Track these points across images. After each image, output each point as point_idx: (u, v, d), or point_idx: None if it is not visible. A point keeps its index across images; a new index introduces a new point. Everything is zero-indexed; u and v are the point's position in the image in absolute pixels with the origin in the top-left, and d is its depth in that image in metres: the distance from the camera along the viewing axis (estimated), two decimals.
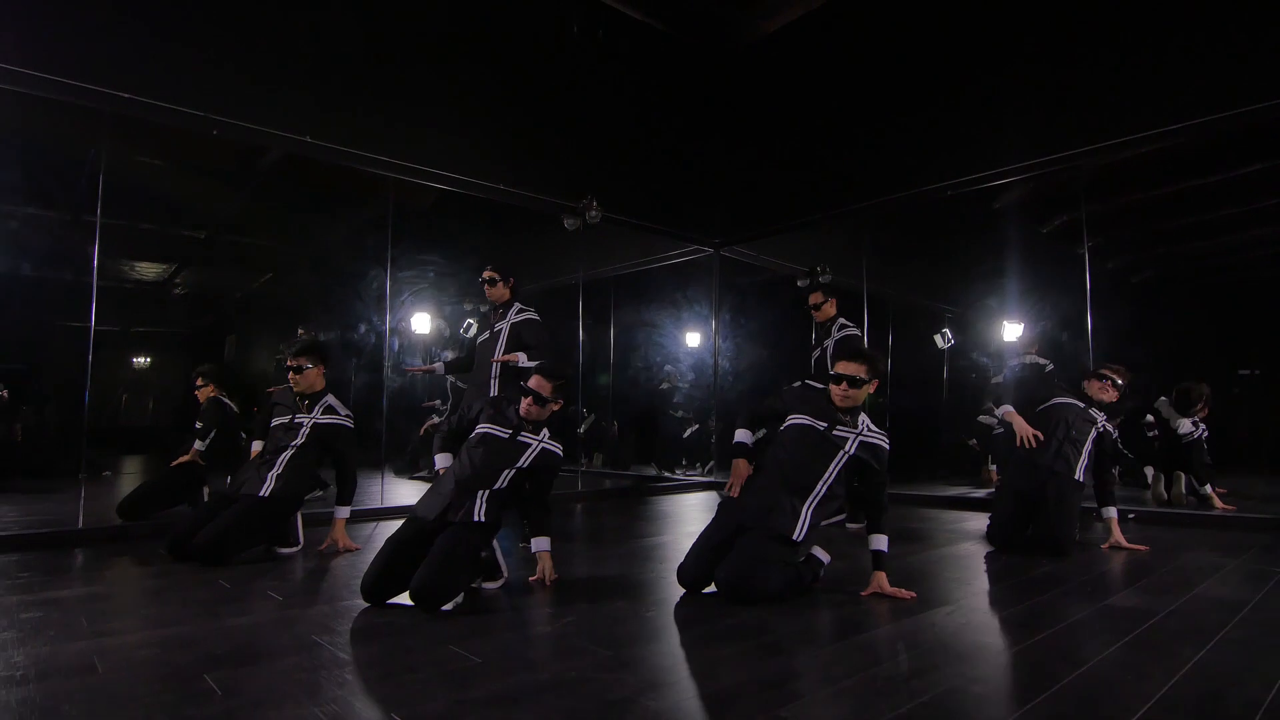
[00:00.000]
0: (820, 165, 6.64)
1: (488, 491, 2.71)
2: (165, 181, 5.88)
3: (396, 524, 4.42)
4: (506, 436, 2.84)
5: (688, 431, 8.25)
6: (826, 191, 6.56)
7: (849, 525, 4.43)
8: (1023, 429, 3.82)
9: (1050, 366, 6.10)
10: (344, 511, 3.52)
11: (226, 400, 4.67)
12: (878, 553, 2.71)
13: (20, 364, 7.29)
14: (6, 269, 6.46)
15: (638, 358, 8.90)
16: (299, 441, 3.44)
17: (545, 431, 2.91)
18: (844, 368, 2.88)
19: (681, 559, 2.76)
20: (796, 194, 6.81)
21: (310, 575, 3.06)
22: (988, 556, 3.55)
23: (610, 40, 6.07)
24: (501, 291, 3.98)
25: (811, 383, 3.68)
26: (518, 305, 4.01)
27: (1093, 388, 3.88)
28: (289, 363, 3.50)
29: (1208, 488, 5.06)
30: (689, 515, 5.16)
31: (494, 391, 3.81)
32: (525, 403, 2.87)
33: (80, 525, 3.96)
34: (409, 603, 2.45)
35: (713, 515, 2.87)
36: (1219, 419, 6.34)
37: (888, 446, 2.86)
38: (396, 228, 5.29)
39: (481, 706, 1.61)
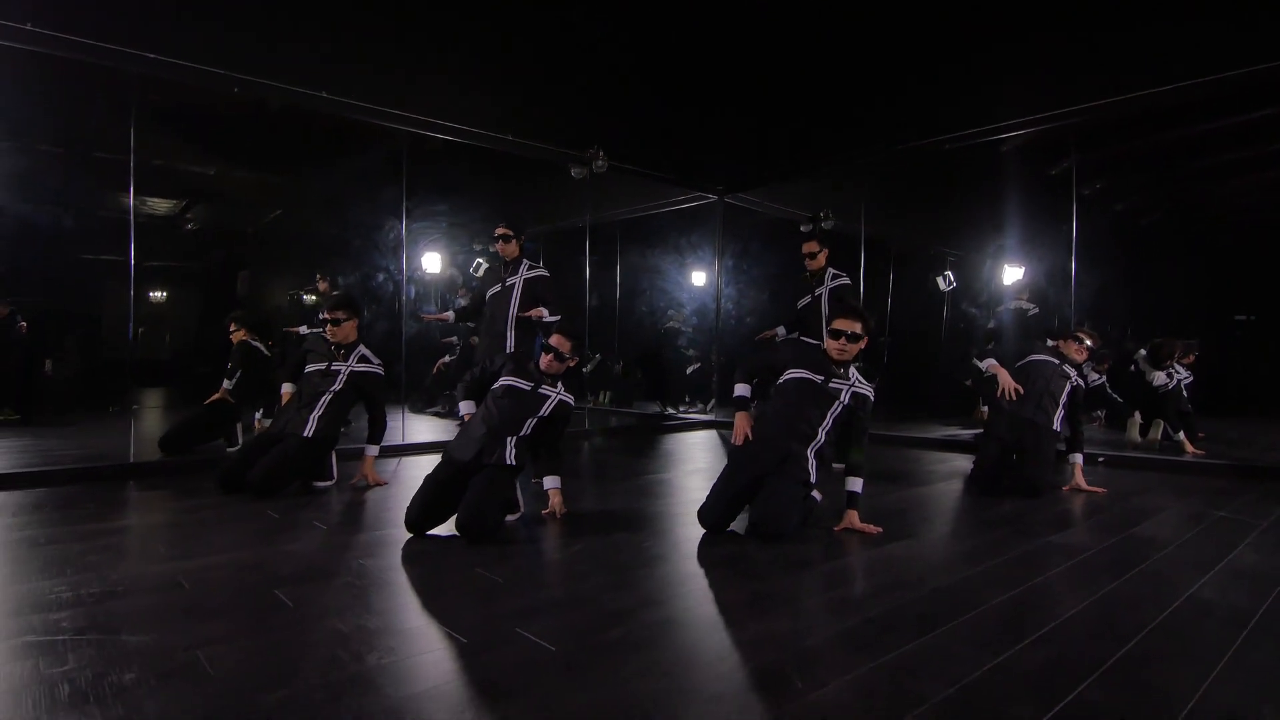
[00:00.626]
0: (823, 115, 6.69)
1: (515, 437, 3.05)
2: (183, 125, 6.02)
3: (418, 459, 4.85)
4: (529, 389, 3.16)
5: (690, 369, 8.59)
6: (829, 141, 6.65)
7: (834, 465, 4.78)
8: (1006, 382, 4.11)
9: (1034, 310, 6.34)
10: (374, 450, 3.89)
11: (257, 344, 5.00)
12: (851, 493, 3.05)
13: (43, 298, 7.58)
14: (27, 210, 6.67)
15: (643, 300, 9.14)
16: (336, 388, 3.77)
17: (560, 384, 3.23)
18: (842, 324, 3.14)
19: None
20: (800, 143, 6.90)
21: (349, 508, 3.43)
22: (959, 496, 3.90)
23: None
24: (513, 248, 4.22)
25: (805, 338, 3.96)
26: (527, 261, 4.26)
27: (1069, 348, 4.16)
28: (325, 315, 3.80)
29: (1181, 434, 5.39)
30: (690, 454, 5.51)
31: (510, 342, 4.11)
32: (546, 359, 3.19)
33: (131, 459, 4.35)
34: (443, 534, 2.82)
35: (721, 458, 3.18)
36: (1214, 365, 6.58)
37: (873, 398, 3.17)
38: (410, 181, 5.49)
39: (507, 618, 1.97)
